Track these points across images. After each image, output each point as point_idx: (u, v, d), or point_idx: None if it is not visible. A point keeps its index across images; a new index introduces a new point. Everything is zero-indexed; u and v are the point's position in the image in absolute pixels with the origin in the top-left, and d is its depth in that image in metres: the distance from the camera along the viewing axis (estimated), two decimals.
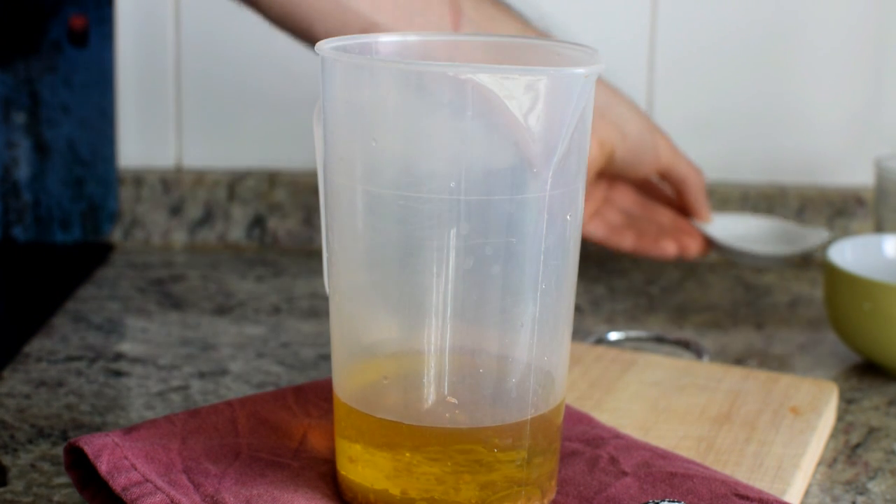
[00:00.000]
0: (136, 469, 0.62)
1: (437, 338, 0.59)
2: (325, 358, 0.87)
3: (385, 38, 0.64)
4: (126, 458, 0.62)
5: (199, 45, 1.11)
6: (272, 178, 1.12)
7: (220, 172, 1.12)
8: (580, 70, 0.56)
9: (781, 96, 1.12)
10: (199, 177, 1.12)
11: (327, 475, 0.63)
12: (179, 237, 1.12)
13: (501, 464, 0.60)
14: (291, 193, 1.11)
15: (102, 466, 0.62)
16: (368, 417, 0.60)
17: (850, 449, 0.75)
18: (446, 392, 0.59)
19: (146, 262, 1.07)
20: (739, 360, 0.88)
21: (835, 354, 0.90)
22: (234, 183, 1.11)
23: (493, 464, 0.60)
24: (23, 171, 1.09)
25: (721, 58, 1.11)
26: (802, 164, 1.13)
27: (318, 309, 0.97)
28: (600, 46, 0.64)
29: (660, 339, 0.91)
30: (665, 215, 1.01)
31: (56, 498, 0.67)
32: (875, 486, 0.71)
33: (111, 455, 0.62)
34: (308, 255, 1.10)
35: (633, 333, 0.91)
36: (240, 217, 1.12)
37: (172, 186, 1.11)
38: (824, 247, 0.99)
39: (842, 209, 1.11)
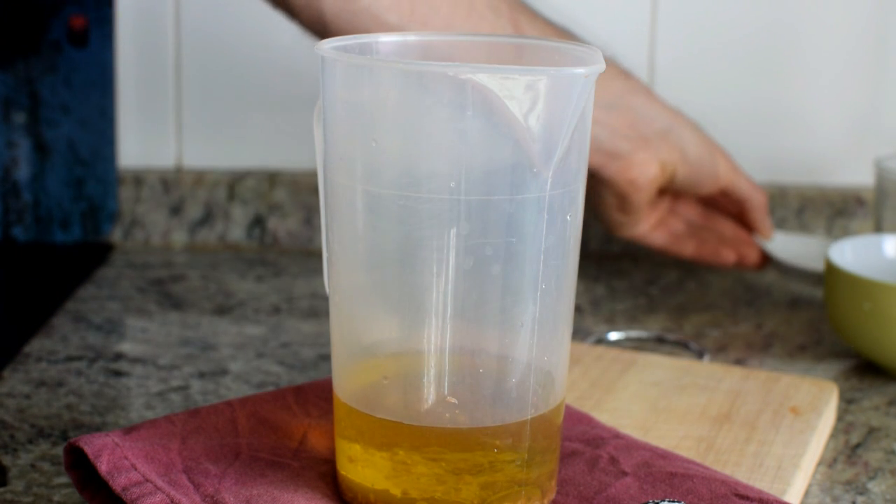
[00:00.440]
0: (136, 469, 0.62)
1: (437, 338, 0.59)
2: (325, 358, 0.87)
3: (385, 38, 0.64)
4: (126, 458, 0.62)
5: (199, 46, 1.11)
6: (272, 178, 1.11)
7: (220, 172, 1.12)
8: (580, 70, 0.56)
9: (781, 96, 1.12)
10: (199, 177, 1.12)
11: (327, 475, 0.63)
12: (179, 237, 1.12)
13: (501, 464, 0.60)
14: (291, 193, 1.11)
15: (102, 466, 0.62)
16: (368, 417, 0.60)
17: (850, 449, 0.75)
18: (446, 392, 0.59)
19: (146, 262, 1.07)
20: (739, 360, 0.88)
21: (835, 354, 0.90)
22: (234, 183, 1.11)
23: (494, 464, 0.60)
24: (23, 172, 1.09)
25: (721, 58, 1.11)
26: (802, 164, 1.13)
27: (318, 309, 0.97)
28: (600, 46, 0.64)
29: (660, 339, 0.91)
30: (727, 227, 1.03)
31: (56, 498, 0.67)
32: (875, 486, 0.71)
33: (111, 455, 0.62)
34: (308, 255, 1.10)
35: (633, 333, 0.91)
36: (240, 217, 1.12)
37: (172, 186, 1.11)
38: None
39: (842, 209, 1.11)
